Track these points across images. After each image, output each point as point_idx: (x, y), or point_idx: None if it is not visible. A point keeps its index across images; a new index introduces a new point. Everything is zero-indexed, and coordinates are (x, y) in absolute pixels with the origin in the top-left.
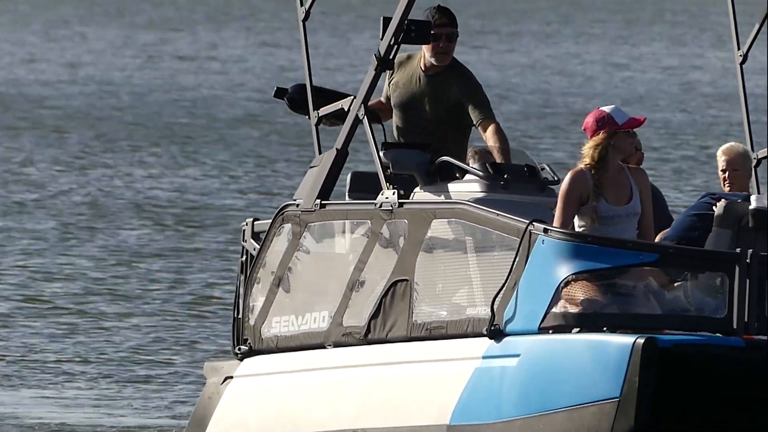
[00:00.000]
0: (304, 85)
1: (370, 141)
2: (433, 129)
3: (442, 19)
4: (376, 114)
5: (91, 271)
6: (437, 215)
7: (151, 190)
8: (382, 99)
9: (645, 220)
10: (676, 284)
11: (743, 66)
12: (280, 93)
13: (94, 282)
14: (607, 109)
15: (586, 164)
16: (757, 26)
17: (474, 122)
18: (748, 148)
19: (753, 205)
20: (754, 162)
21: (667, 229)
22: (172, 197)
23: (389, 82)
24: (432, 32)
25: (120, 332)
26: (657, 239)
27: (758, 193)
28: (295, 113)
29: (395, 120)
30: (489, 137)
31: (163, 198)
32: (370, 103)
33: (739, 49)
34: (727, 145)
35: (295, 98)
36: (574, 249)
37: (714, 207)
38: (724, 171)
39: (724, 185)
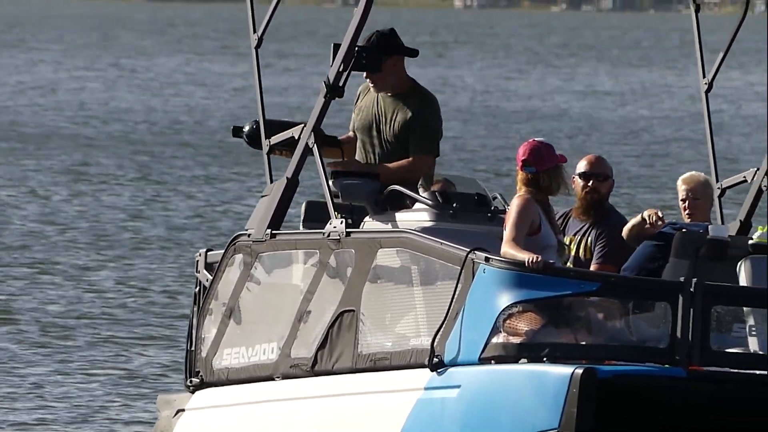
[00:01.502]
0: (264, 121)
1: (320, 170)
2: (394, 148)
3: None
4: (333, 139)
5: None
6: (383, 245)
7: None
8: (350, 133)
9: None
10: (619, 314)
11: (708, 94)
12: (236, 132)
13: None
14: (545, 140)
15: (531, 193)
16: (721, 55)
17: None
18: (712, 177)
19: (710, 234)
20: (718, 191)
21: (628, 260)
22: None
23: (355, 110)
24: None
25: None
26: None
27: (721, 223)
28: (254, 148)
29: (358, 144)
30: (415, 172)
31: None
32: (342, 137)
33: (704, 77)
34: (687, 174)
35: (253, 135)
36: (516, 278)
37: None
38: (684, 200)
39: (685, 215)
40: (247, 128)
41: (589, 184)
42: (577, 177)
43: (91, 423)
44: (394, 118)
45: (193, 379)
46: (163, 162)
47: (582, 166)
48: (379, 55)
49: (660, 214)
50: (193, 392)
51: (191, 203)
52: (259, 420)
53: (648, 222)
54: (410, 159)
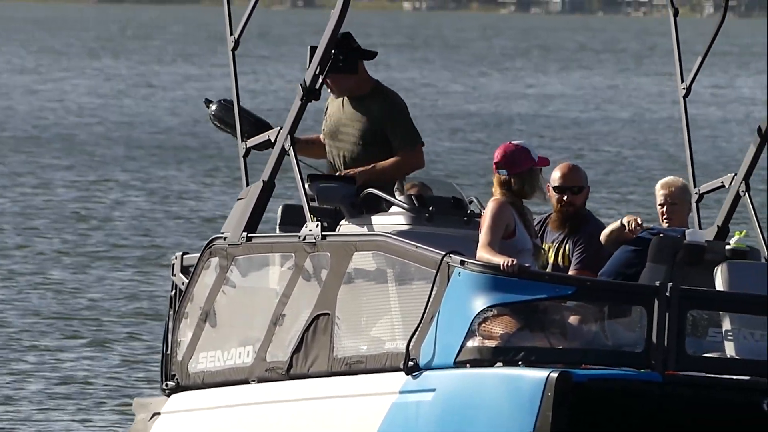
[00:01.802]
0: (232, 105)
1: (296, 173)
2: (361, 151)
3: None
4: (306, 142)
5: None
6: (358, 248)
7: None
8: (321, 136)
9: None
10: (594, 318)
11: (686, 99)
12: (207, 102)
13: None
14: (521, 143)
15: (506, 196)
16: (699, 59)
17: (393, 150)
18: (690, 182)
19: (687, 239)
20: (696, 197)
21: (605, 266)
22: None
23: (324, 117)
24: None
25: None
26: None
27: (699, 228)
28: (216, 126)
29: (327, 149)
30: (405, 167)
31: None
32: (311, 137)
33: (682, 82)
34: (665, 179)
35: (218, 115)
36: (491, 281)
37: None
38: (662, 205)
39: (663, 220)
40: (214, 107)
41: (564, 198)
42: (551, 189)
43: (64, 427)
44: (359, 120)
45: (168, 382)
46: (143, 169)
47: (556, 178)
48: (356, 57)
49: (639, 220)
50: (168, 395)
51: (164, 207)
52: (235, 423)
53: (627, 228)
54: (397, 158)
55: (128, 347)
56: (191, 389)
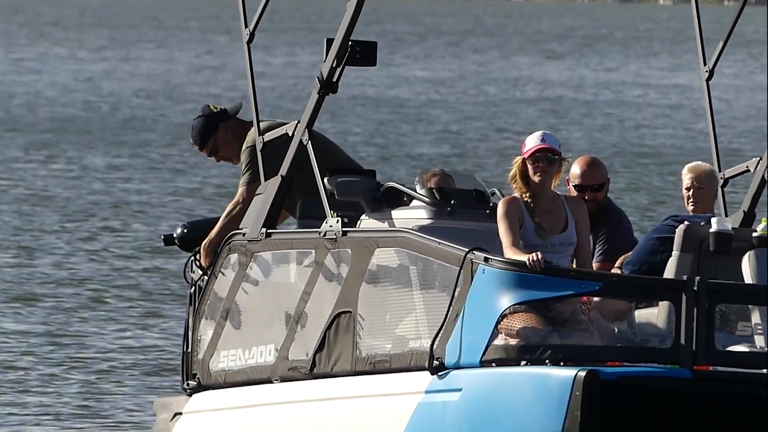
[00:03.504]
0: (192, 224)
1: (314, 167)
2: None
3: None
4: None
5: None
6: (380, 244)
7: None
8: None
9: (582, 250)
10: (620, 313)
11: (710, 82)
12: (168, 240)
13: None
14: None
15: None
16: (721, 43)
17: None
18: (715, 167)
19: (714, 227)
20: (721, 182)
21: (629, 253)
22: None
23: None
24: None
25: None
26: (618, 263)
27: (725, 214)
28: (186, 251)
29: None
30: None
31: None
32: None
33: (705, 65)
34: (693, 163)
35: (184, 239)
36: (516, 279)
37: (676, 229)
38: (688, 189)
39: (688, 203)
40: (178, 231)
41: (585, 197)
42: (571, 186)
43: (85, 424)
44: None
45: (190, 381)
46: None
47: (575, 176)
48: (375, 49)
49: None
50: (190, 395)
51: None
52: (258, 423)
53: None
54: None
55: (150, 344)
56: (213, 388)
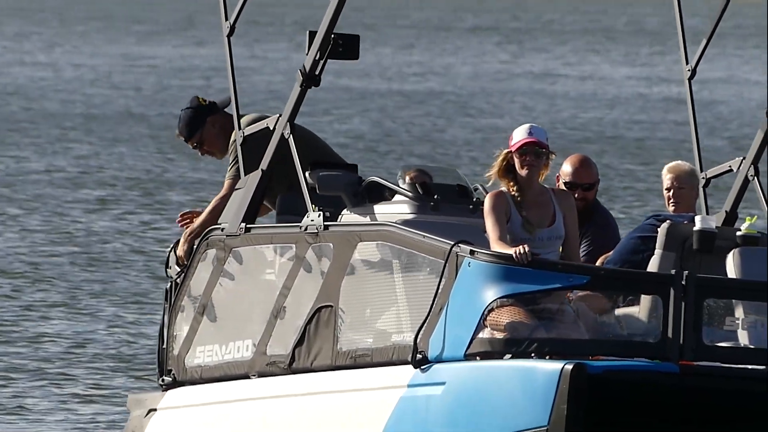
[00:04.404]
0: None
1: (296, 161)
2: None
3: None
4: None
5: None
6: (363, 238)
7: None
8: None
9: (569, 244)
10: (609, 308)
11: (692, 81)
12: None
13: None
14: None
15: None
16: (704, 41)
17: None
18: (697, 166)
19: (698, 226)
20: (703, 182)
21: (610, 253)
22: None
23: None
24: None
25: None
26: (599, 263)
27: (706, 213)
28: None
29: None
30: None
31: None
32: None
33: (687, 63)
34: (673, 163)
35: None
36: (502, 271)
37: (658, 229)
38: (668, 189)
39: (669, 204)
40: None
41: (576, 195)
42: (561, 183)
43: (58, 422)
44: None
45: (165, 377)
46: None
47: (566, 173)
48: (357, 42)
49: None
50: (165, 391)
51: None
52: (235, 419)
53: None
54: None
55: (122, 340)
56: (189, 384)
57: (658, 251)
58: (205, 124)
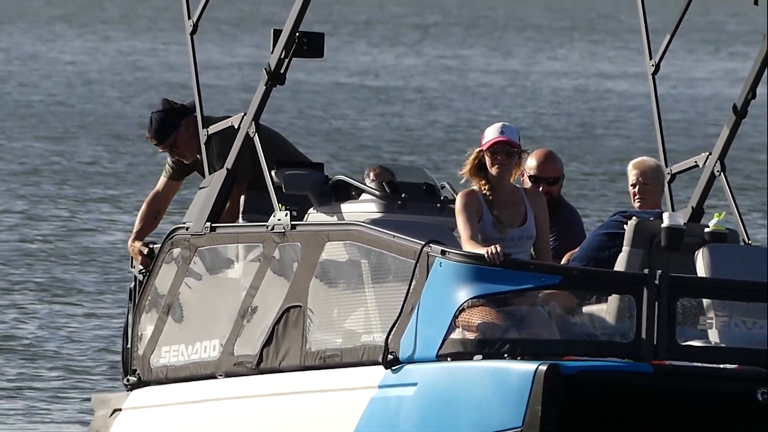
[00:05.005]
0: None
1: (261, 160)
2: None
3: None
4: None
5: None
6: (331, 237)
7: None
8: None
9: (541, 244)
10: (581, 307)
11: (655, 76)
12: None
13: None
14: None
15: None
16: (668, 36)
17: None
18: (662, 162)
19: (666, 222)
20: (668, 177)
21: (576, 250)
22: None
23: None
24: None
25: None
26: (564, 260)
27: (672, 209)
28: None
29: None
30: None
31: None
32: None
33: (651, 58)
34: (638, 159)
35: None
36: (474, 272)
37: (625, 225)
38: (634, 185)
39: (635, 200)
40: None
41: (540, 189)
42: (526, 178)
43: (23, 421)
44: None
45: (130, 377)
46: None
47: (531, 167)
48: (323, 40)
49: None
50: (130, 391)
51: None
52: (201, 419)
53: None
54: None
55: (88, 338)
56: (154, 384)
57: (626, 248)
58: (179, 126)
